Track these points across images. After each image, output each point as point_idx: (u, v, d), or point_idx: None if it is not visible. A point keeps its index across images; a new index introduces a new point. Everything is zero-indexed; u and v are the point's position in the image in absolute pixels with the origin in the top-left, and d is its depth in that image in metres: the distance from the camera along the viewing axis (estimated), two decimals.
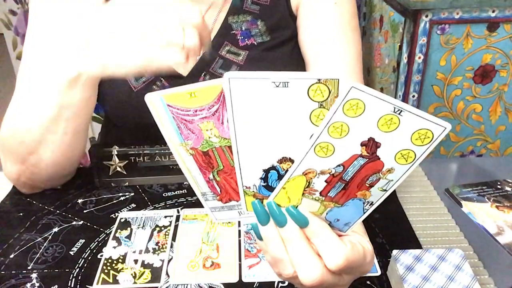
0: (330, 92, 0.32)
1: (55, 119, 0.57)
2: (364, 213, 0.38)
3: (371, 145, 0.33)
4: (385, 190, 0.36)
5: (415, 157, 0.33)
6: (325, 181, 0.36)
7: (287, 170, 0.36)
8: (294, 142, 0.35)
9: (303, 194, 0.37)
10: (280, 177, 0.37)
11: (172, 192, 0.66)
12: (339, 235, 0.38)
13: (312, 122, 0.34)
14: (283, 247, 0.37)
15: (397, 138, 0.33)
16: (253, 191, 0.38)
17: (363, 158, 0.34)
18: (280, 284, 0.50)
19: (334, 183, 0.36)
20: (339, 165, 0.35)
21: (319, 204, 0.37)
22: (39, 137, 0.58)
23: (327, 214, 0.38)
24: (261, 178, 0.37)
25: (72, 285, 0.50)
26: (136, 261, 0.53)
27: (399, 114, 0.31)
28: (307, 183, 0.36)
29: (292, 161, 0.36)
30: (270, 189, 0.37)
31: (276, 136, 0.35)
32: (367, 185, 0.36)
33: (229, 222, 0.59)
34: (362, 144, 0.33)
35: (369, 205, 0.37)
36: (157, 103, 0.36)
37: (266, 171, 0.37)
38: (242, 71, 0.33)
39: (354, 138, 0.33)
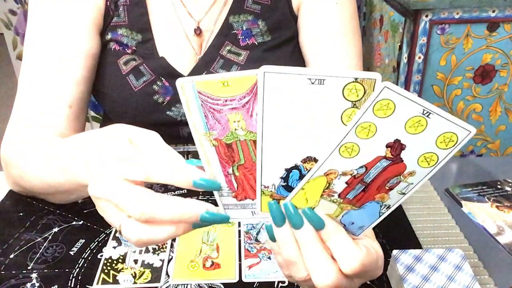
0: (365, 92, 0.32)
1: (68, 192, 0.56)
2: (380, 216, 0.37)
3: (396, 147, 0.33)
4: (404, 194, 0.36)
5: (437, 161, 0.33)
6: (346, 182, 0.36)
7: (309, 171, 0.35)
8: (321, 142, 0.35)
9: (321, 195, 0.36)
10: (301, 177, 0.36)
11: (172, 192, 0.66)
12: (352, 239, 0.38)
13: (342, 122, 0.33)
14: (297, 250, 0.37)
15: (423, 141, 0.32)
16: (271, 191, 0.38)
17: (387, 160, 0.34)
18: (280, 284, 0.50)
19: (354, 185, 0.36)
20: (361, 167, 0.34)
21: (336, 206, 0.37)
22: (48, 193, 0.59)
23: (342, 216, 0.38)
24: (281, 178, 0.37)
25: (72, 285, 0.50)
26: (136, 261, 0.53)
27: (427, 116, 0.31)
28: (327, 184, 0.36)
29: (316, 161, 0.35)
30: (289, 189, 0.37)
31: (303, 135, 0.35)
32: (387, 187, 0.35)
33: (230, 222, 0.58)
34: (387, 146, 0.33)
35: (386, 208, 0.37)
36: (188, 88, 0.35)
37: (288, 170, 0.36)
38: (278, 66, 0.33)
39: (381, 139, 0.33)
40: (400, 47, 1.35)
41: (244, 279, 0.50)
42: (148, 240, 0.36)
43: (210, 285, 0.50)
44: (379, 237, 0.56)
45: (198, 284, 0.50)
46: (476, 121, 1.43)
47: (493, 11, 1.26)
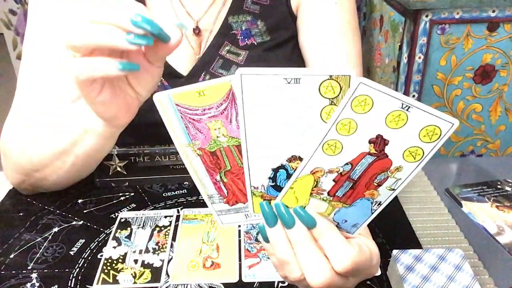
0: (341, 89, 0.32)
1: (68, 151, 0.56)
2: (372, 213, 0.37)
3: (379, 142, 0.33)
4: (393, 189, 0.36)
5: (423, 155, 0.33)
6: (333, 180, 0.36)
7: (296, 169, 0.36)
8: (304, 140, 0.35)
9: (311, 194, 0.37)
10: (288, 176, 0.36)
11: (172, 192, 0.66)
12: (346, 237, 0.38)
13: (322, 119, 0.34)
14: (290, 249, 0.37)
15: (405, 135, 0.33)
16: (261, 192, 0.38)
17: (371, 156, 0.34)
18: (280, 284, 0.50)
19: (342, 182, 0.36)
20: (347, 164, 0.35)
21: (327, 204, 0.37)
22: (48, 161, 0.58)
23: (335, 215, 0.38)
24: (269, 178, 0.37)
25: (72, 285, 0.50)
26: (136, 261, 0.53)
27: (407, 110, 0.32)
28: (315, 183, 0.36)
29: (301, 159, 0.36)
30: (279, 189, 0.37)
31: (286, 134, 0.35)
32: (375, 184, 0.36)
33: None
34: (370, 142, 0.33)
35: (377, 205, 0.37)
36: (165, 102, 0.35)
37: (275, 170, 0.37)
38: (254, 68, 0.33)
39: (362, 135, 0.33)
40: (400, 47, 1.35)
41: (244, 279, 0.50)
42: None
43: (210, 285, 0.50)
44: (379, 237, 0.56)
45: (198, 284, 0.50)
46: (476, 121, 1.43)
47: (493, 11, 1.26)
